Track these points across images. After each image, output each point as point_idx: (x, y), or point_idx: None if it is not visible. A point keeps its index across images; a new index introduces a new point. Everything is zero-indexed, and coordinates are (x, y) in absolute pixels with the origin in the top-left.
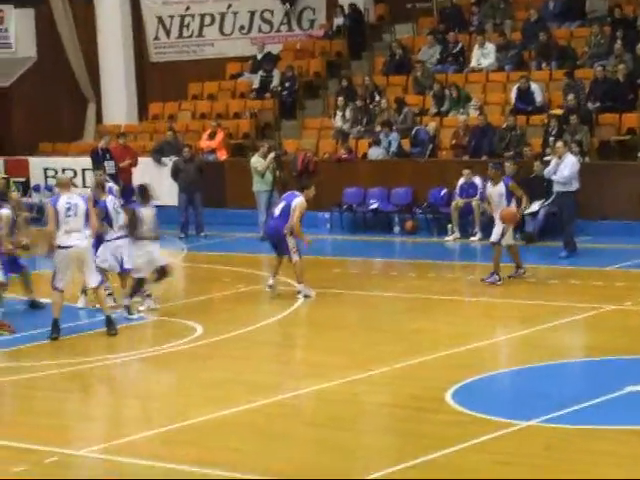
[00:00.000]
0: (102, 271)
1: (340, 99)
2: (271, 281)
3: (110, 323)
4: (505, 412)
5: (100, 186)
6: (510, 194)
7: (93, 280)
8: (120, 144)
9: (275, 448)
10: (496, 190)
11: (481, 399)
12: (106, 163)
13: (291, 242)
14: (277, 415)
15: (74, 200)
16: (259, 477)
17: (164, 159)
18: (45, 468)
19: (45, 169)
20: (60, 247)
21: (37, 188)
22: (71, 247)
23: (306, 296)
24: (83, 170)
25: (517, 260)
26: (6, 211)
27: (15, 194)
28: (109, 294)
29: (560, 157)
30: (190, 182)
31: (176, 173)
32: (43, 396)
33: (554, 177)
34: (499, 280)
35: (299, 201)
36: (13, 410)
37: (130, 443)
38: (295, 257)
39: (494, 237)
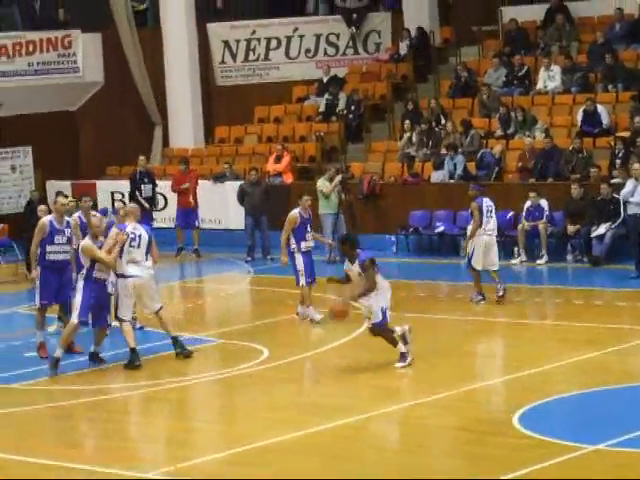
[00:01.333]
0: None
1: (407, 122)
2: (300, 309)
3: (177, 343)
4: (572, 435)
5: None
6: (471, 214)
7: (154, 306)
8: (181, 171)
9: (341, 471)
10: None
11: (548, 422)
12: (143, 186)
13: (298, 263)
14: (343, 438)
15: (138, 231)
16: None
17: (228, 183)
18: None
19: (112, 192)
20: (124, 276)
21: (104, 212)
22: (134, 277)
23: (312, 320)
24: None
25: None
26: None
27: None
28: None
29: (637, 179)
30: (256, 205)
31: (242, 197)
32: (113, 418)
33: (632, 199)
34: (483, 300)
35: (289, 214)
36: (84, 432)
37: (198, 465)
38: (301, 280)
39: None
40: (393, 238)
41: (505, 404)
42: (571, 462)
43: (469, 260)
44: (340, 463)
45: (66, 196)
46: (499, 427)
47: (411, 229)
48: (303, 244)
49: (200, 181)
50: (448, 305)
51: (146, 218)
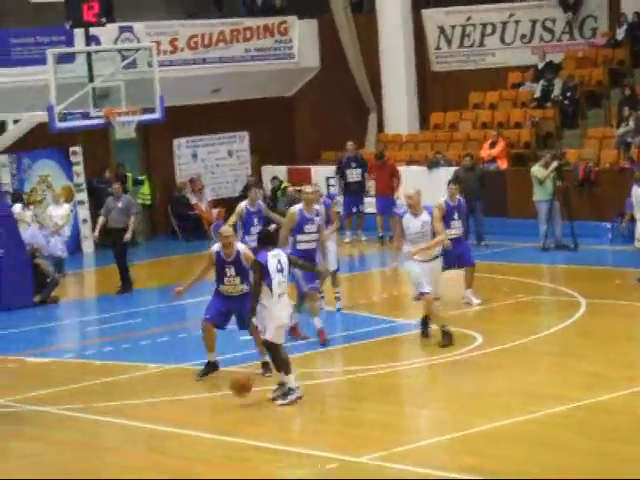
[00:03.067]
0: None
1: (626, 109)
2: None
3: (446, 334)
4: None
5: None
6: None
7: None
8: (377, 163)
9: (554, 459)
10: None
11: None
12: (349, 171)
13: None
14: (557, 426)
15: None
16: None
17: (440, 168)
18: (326, 474)
19: (327, 178)
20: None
21: (333, 196)
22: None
23: (468, 303)
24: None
25: None
26: None
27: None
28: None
29: None
30: (471, 191)
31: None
32: (326, 403)
33: None
34: None
35: (437, 203)
36: (296, 416)
37: (410, 451)
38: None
39: None
40: (609, 225)
41: None
42: None
43: None
44: (552, 452)
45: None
46: None
47: (627, 216)
48: (447, 231)
49: (414, 167)
50: None
51: (357, 202)
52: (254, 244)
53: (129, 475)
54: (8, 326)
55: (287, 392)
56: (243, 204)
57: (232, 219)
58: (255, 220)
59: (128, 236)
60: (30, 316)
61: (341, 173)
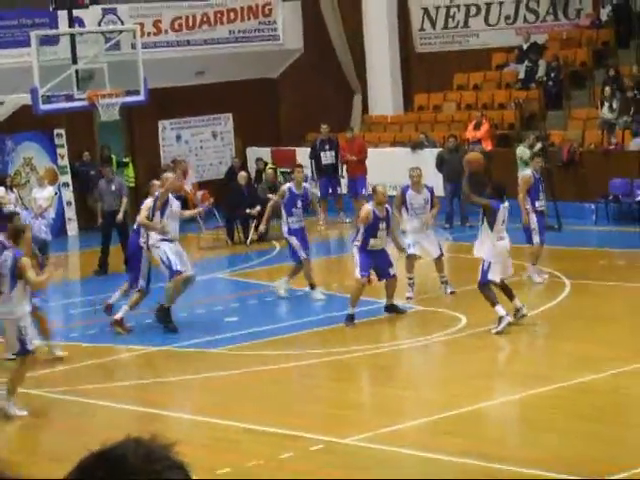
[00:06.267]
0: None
1: (607, 89)
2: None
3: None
4: None
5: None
6: None
7: None
8: (348, 138)
9: (539, 440)
10: None
11: None
12: (323, 154)
13: (533, 222)
14: (542, 407)
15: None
16: (520, 469)
17: (425, 150)
18: (311, 455)
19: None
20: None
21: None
22: None
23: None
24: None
25: None
26: None
27: None
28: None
29: None
30: (455, 172)
31: (441, 164)
32: (312, 384)
33: None
34: None
35: (523, 175)
36: (283, 397)
37: (395, 432)
38: (535, 238)
39: None
40: (593, 206)
41: None
42: None
43: None
44: (537, 432)
45: None
46: None
47: (611, 197)
48: (537, 203)
49: (398, 148)
50: None
51: (332, 183)
52: (296, 226)
53: None
54: None
55: (499, 320)
56: (287, 185)
57: (275, 198)
58: (299, 202)
59: (120, 217)
60: None
61: (315, 156)
